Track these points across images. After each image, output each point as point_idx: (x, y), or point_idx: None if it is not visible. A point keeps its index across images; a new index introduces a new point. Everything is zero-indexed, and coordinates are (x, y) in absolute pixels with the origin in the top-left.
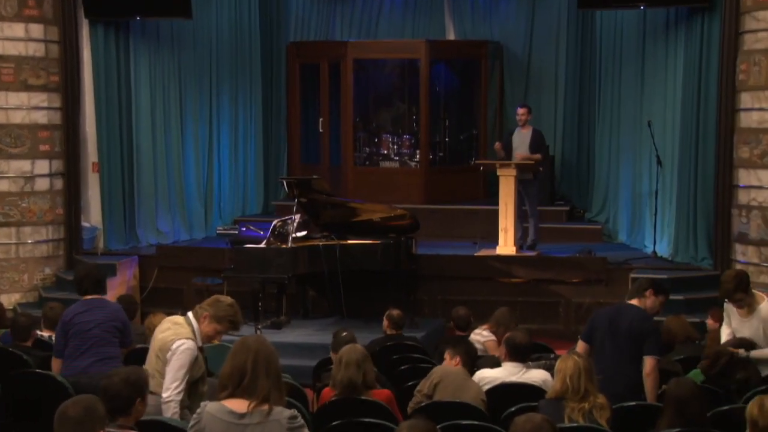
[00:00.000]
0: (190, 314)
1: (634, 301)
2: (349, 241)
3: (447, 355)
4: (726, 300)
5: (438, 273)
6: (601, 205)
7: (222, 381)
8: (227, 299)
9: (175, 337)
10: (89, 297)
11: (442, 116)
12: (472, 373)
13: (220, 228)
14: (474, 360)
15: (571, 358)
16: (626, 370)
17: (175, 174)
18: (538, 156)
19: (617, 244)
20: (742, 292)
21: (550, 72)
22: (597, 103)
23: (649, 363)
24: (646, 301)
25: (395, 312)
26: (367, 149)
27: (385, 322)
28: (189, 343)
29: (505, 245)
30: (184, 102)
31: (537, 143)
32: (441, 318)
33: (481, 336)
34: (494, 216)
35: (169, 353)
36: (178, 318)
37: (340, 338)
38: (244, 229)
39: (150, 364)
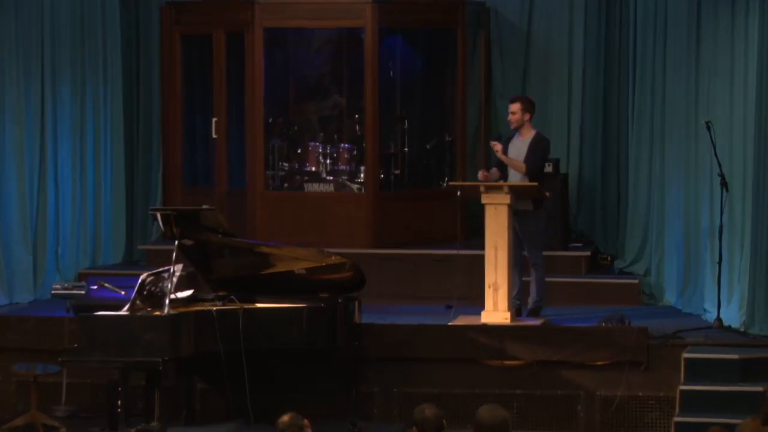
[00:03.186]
0: None
1: None
2: (258, 305)
3: None
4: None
5: (394, 353)
6: (639, 248)
7: None
8: None
9: None
10: None
11: (398, 115)
12: None
13: (58, 286)
14: None
15: None
16: None
17: None
18: (521, 165)
19: (663, 308)
20: None
21: (561, 50)
22: (630, 98)
23: None
24: None
25: (282, 419)
26: (286, 165)
27: None
28: None
29: (495, 310)
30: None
31: (532, 152)
32: (399, 422)
33: None
34: (478, 265)
35: None
36: None
37: None
38: (95, 287)
39: None
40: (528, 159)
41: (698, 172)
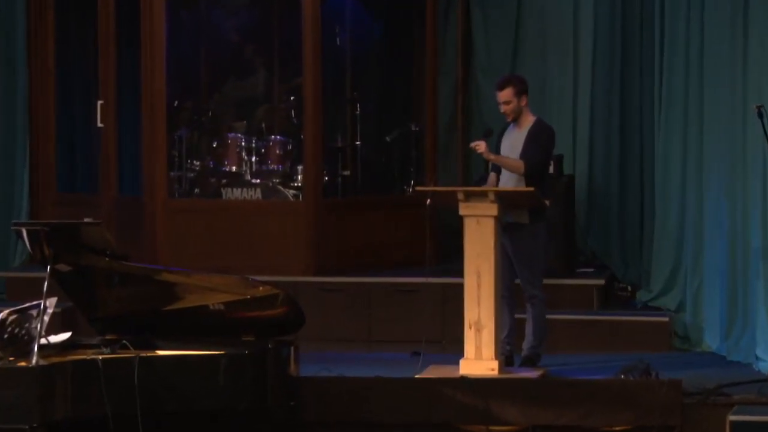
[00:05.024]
0: None
1: None
2: (160, 353)
3: None
4: None
5: (342, 415)
6: (669, 275)
7: None
8: None
9: None
10: None
11: (348, 97)
12: None
13: None
14: None
15: None
16: None
17: None
18: (518, 163)
19: (701, 355)
20: None
21: (564, 12)
22: (657, 75)
23: None
24: None
25: None
26: (197, 164)
27: None
28: None
29: (478, 357)
30: None
31: (530, 144)
32: None
33: None
34: (455, 297)
35: None
36: None
37: None
38: None
39: None
40: (525, 153)
41: (747, 174)
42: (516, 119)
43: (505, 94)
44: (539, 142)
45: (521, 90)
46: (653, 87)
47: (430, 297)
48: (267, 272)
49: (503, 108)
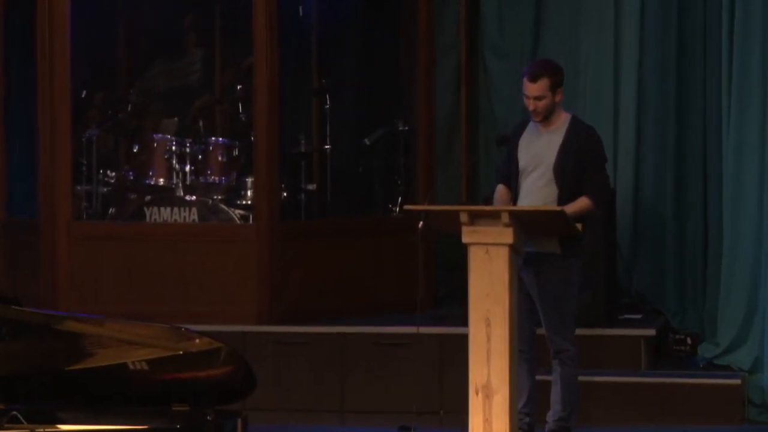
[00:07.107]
0: None
1: None
2: (63, 428)
3: None
4: None
5: None
6: (741, 324)
7: None
8: None
9: None
10: None
11: (315, 87)
12: None
13: None
14: None
15: None
16: None
17: None
18: (585, 203)
19: None
20: None
21: None
22: (724, 58)
23: None
24: None
25: None
26: (113, 175)
27: None
28: None
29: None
30: None
31: (590, 165)
32: None
33: None
34: (456, 353)
35: None
36: None
37: None
38: None
39: None
40: (589, 178)
41: None
42: (543, 119)
43: (539, 88)
44: (596, 158)
45: (557, 82)
46: (721, 71)
47: (424, 352)
48: (206, 319)
49: (533, 105)
